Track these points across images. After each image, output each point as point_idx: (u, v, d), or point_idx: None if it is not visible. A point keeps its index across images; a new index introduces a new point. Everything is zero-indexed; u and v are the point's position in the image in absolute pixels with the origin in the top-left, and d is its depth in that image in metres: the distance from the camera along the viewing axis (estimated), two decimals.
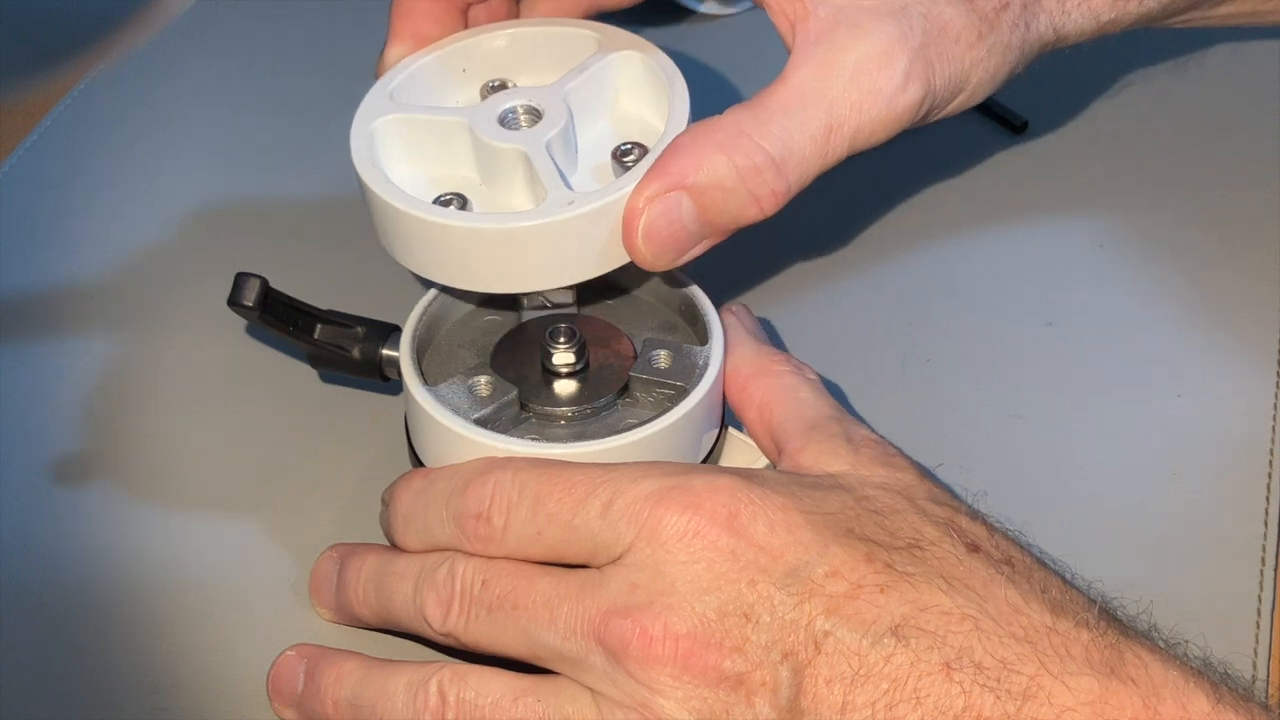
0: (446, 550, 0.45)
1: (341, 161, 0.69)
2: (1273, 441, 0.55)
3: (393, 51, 0.53)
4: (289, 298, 0.52)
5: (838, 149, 0.50)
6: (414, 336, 0.50)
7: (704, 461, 0.49)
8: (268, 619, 0.50)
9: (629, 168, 0.49)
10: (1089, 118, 0.70)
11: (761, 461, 0.50)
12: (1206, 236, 0.63)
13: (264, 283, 0.50)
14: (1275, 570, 0.51)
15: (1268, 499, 0.53)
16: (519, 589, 0.43)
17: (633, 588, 0.41)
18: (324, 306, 0.53)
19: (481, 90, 0.53)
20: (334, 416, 0.57)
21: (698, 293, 0.51)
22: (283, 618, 0.50)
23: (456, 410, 0.47)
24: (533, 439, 0.47)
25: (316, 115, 0.72)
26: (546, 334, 0.49)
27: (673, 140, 0.48)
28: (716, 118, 0.49)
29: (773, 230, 0.65)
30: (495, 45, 0.53)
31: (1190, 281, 0.61)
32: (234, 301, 0.50)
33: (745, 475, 0.43)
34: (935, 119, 0.53)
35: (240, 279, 0.50)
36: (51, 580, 0.51)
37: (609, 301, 0.53)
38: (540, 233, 0.47)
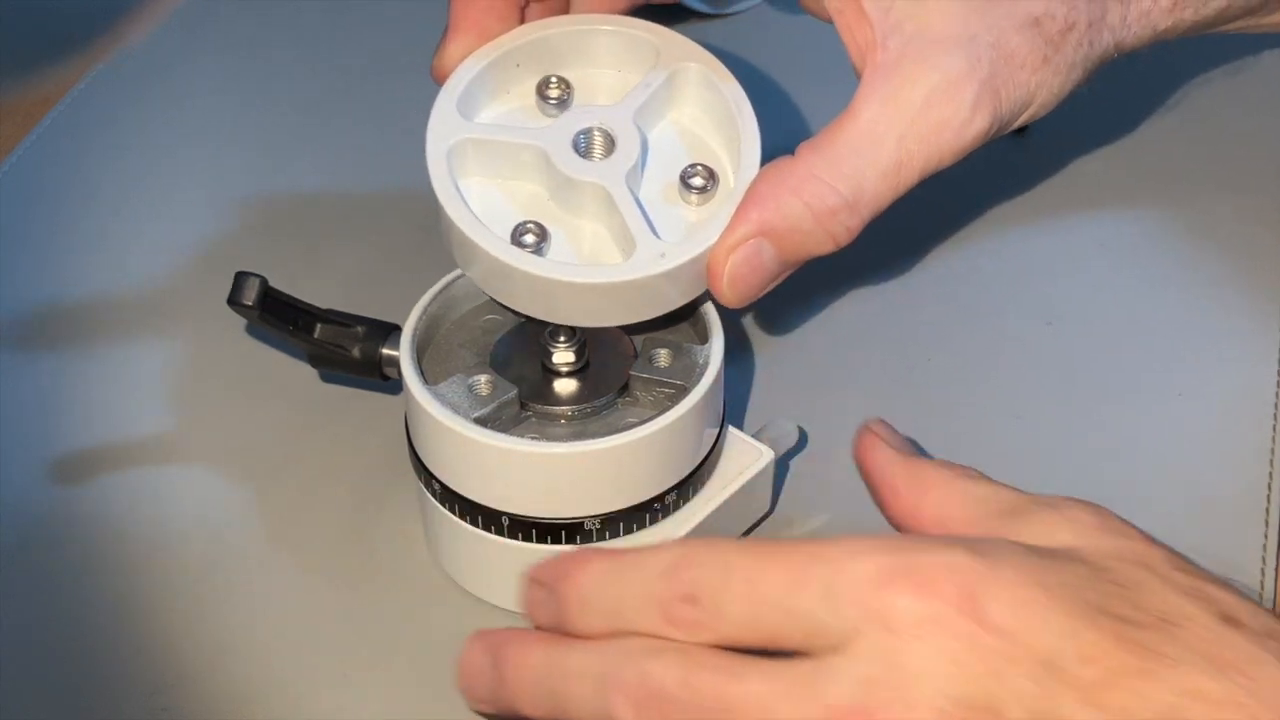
0: (635, 635, 0.40)
1: (342, 161, 0.69)
2: (1273, 441, 0.55)
3: (453, 47, 0.53)
4: (289, 297, 0.52)
5: (907, 181, 0.51)
6: (414, 336, 0.50)
7: (704, 461, 0.49)
8: (268, 619, 0.50)
9: (695, 190, 0.50)
10: (1089, 118, 0.70)
11: (763, 461, 0.50)
12: (1207, 237, 0.63)
13: (264, 282, 0.50)
14: (1275, 570, 0.51)
15: (1268, 499, 0.53)
16: (727, 687, 0.38)
17: (866, 683, 0.37)
18: (324, 306, 0.53)
19: (538, 86, 0.52)
20: (334, 416, 0.57)
21: None
22: (283, 617, 0.50)
23: (456, 409, 0.47)
24: (533, 438, 0.47)
25: (317, 114, 0.72)
26: (546, 333, 0.49)
27: (751, 186, 0.49)
28: (790, 161, 0.50)
29: None
30: (548, 41, 0.53)
31: (1190, 281, 0.61)
32: (234, 301, 0.50)
33: (975, 548, 0.39)
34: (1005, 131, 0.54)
35: (240, 278, 0.50)
36: (50, 580, 0.51)
37: None
38: (632, 286, 0.48)
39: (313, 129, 0.71)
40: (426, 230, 0.65)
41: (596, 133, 0.50)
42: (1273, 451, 0.54)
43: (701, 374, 0.48)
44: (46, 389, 0.58)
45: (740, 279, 0.49)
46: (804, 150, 0.50)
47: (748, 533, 0.52)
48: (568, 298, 0.48)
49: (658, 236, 0.49)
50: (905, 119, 0.50)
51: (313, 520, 0.53)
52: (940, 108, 0.50)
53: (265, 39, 0.77)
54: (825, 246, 0.51)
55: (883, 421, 0.47)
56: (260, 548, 0.52)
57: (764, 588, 0.38)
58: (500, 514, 0.47)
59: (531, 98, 0.52)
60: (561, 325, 0.49)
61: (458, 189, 0.49)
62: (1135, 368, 0.58)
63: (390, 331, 0.53)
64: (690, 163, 0.51)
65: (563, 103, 0.52)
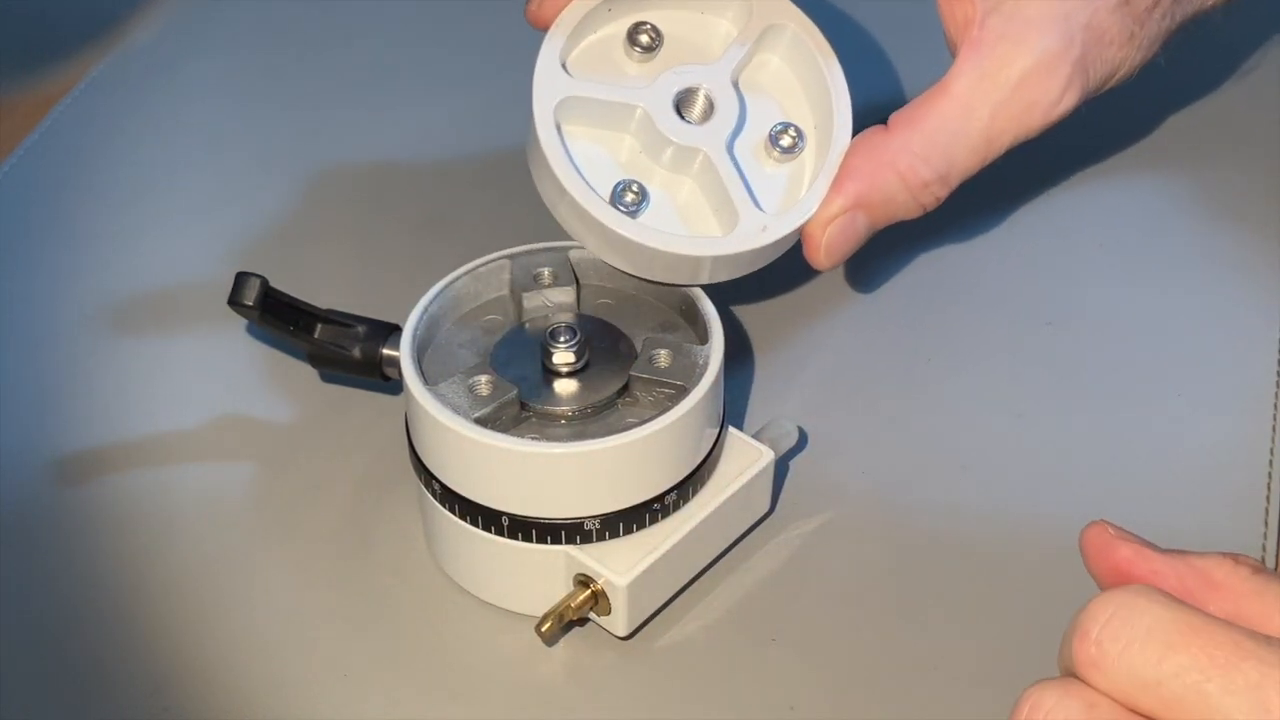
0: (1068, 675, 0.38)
1: (341, 161, 0.69)
2: (1273, 441, 0.55)
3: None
4: (289, 297, 0.52)
5: (995, 154, 0.54)
6: (414, 336, 0.50)
7: (704, 461, 0.49)
8: (268, 619, 0.50)
9: (783, 149, 0.53)
10: (1089, 118, 0.70)
11: (763, 461, 0.50)
12: (1207, 236, 0.64)
13: (264, 282, 0.50)
14: (1275, 570, 0.51)
15: (1268, 499, 0.53)
16: None
17: None
18: (324, 306, 0.53)
19: (629, 32, 0.54)
20: (334, 416, 0.57)
21: (698, 292, 0.51)
22: (283, 617, 0.50)
23: (457, 409, 0.47)
24: (533, 438, 0.47)
25: (318, 114, 0.72)
26: (547, 333, 0.49)
27: (847, 159, 0.52)
28: (885, 133, 0.53)
29: None
30: None
31: (1190, 281, 0.61)
32: (234, 301, 0.50)
33: None
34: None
35: (240, 279, 0.50)
36: (51, 580, 0.51)
37: (609, 301, 0.53)
38: (735, 257, 0.51)
39: (313, 129, 0.71)
40: (427, 230, 0.65)
41: (698, 95, 0.53)
42: (1272, 451, 0.54)
43: (701, 374, 0.48)
44: (46, 389, 0.58)
45: (835, 247, 0.52)
46: (897, 123, 0.53)
47: (748, 533, 0.52)
48: (669, 264, 0.50)
49: (758, 207, 0.51)
50: (998, 96, 0.52)
51: (313, 520, 0.53)
52: (1033, 88, 0.53)
53: (265, 39, 0.77)
54: (913, 213, 0.54)
55: (1105, 521, 0.42)
56: (260, 547, 0.52)
57: (1182, 658, 0.36)
58: (500, 514, 0.47)
59: (621, 41, 0.54)
60: (561, 325, 0.49)
61: (568, 153, 0.51)
62: (1135, 368, 0.58)
63: (390, 331, 0.53)
64: (779, 121, 0.53)
65: (651, 49, 0.54)
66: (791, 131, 0.53)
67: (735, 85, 0.53)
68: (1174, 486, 0.53)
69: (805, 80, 0.54)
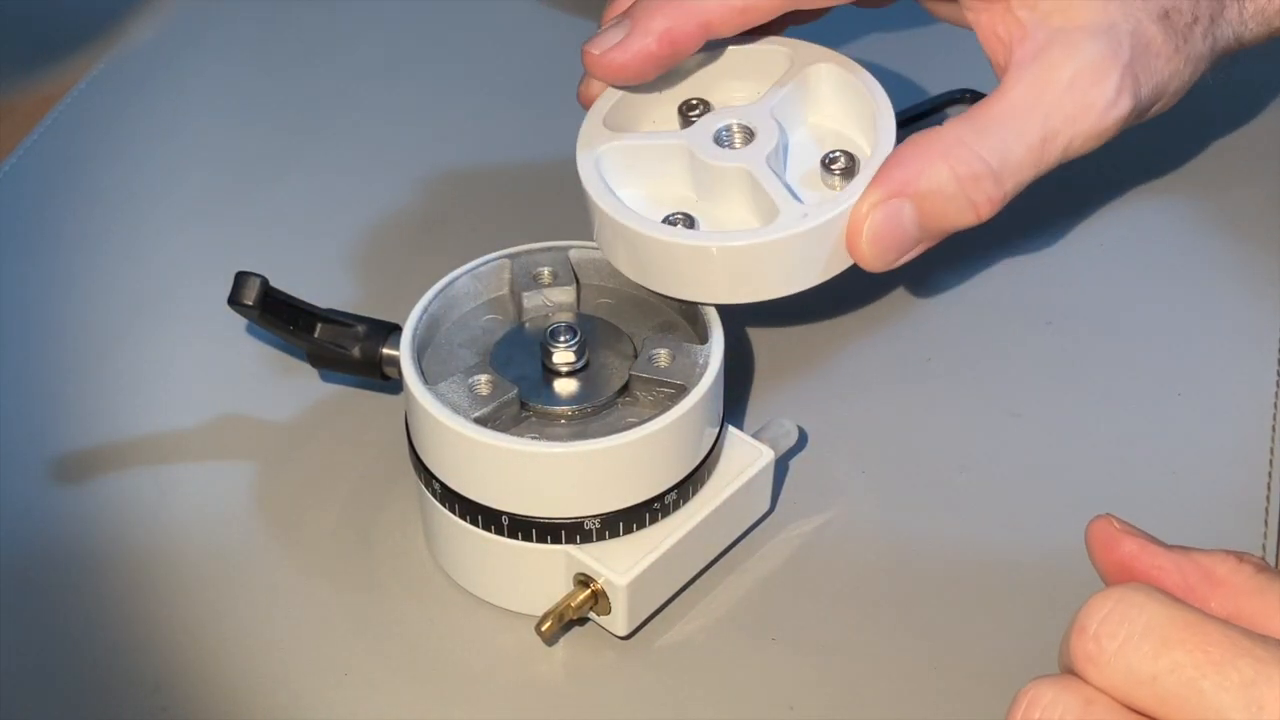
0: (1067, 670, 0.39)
1: (341, 161, 0.69)
2: (1273, 441, 0.55)
3: (596, 83, 0.55)
4: (289, 297, 0.52)
5: (1050, 158, 0.53)
6: (414, 335, 0.50)
7: (704, 461, 0.49)
8: (268, 618, 0.50)
9: (836, 174, 0.52)
10: None
11: (763, 461, 0.50)
12: (1207, 236, 0.63)
13: (264, 282, 0.50)
14: (1277, 570, 0.51)
15: (1268, 499, 0.53)
16: None
17: None
18: (324, 306, 0.53)
19: (680, 108, 0.55)
20: (334, 416, 0.57)
21: None
22: (283, 617, 0.50)
23: (456, 409, 0.47)
24: (533, 438, 0.47)
25: (318, 115, 0.72)
26: (547, 333, 0.49)
27: (895, 151, 0.51)
28: (937, 129, 0.52)
29: None
30: (689, 64, 0.55)
31: (1190, 281, 0.61)
32: (234, 301, 0.50)
33: None
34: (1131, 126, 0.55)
35: (240, 278, 0.50)
36: (51, 579, 0.51)
37: (609, 301, 0.53)
38: (780, 246, 0.49)
39: (313, 129, 0.71)
40: (426, 230, 0.65)
41: (736, 126, 0.53)
42: (1272, 451, 0.54)
43: (701, 374, 0.48)
44: (46, 389, 0.58)
45: (879, 238, 0.51)
46: (951, 121, 0.52)
47: (748, 532, 0.52)
48: (721, 268, 0.50)
49: (799, 200, 0.51)
50: (1052, 97, 0.52)
51: (313, 520, 0.53)
52: (1085, 89, 0.52)
53: (265, 39, 0.77)
54: (966, 216, 0.52)
55: (1110, 516, 0.43)
56: (260, 547, 0.52)
57: (1178, 654, 0.36)
58: (500, 514, 0.47)
59: (674, 117, 0.55)
60: (561, 325, 0.49)
61: (607, 185, 0.51)
62: (1135, 368, 0.58)
63: (390, 331, 0.53)
64: (831, 150, 0.53)
65: (699, 114, 0.55)
66: (843, 158, 0.52)
67: (776, 119, 0.53)
68: (1174, 486, 0.53)
69: (855, 116, 0.54)
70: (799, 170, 0.53)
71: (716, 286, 0.50)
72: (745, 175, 0.51)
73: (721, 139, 0.52)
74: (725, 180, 0.52)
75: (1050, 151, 0.53)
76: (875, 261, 0.51)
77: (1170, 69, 0.55)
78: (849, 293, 0.61)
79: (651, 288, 0.51)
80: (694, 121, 0.54)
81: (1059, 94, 0.52)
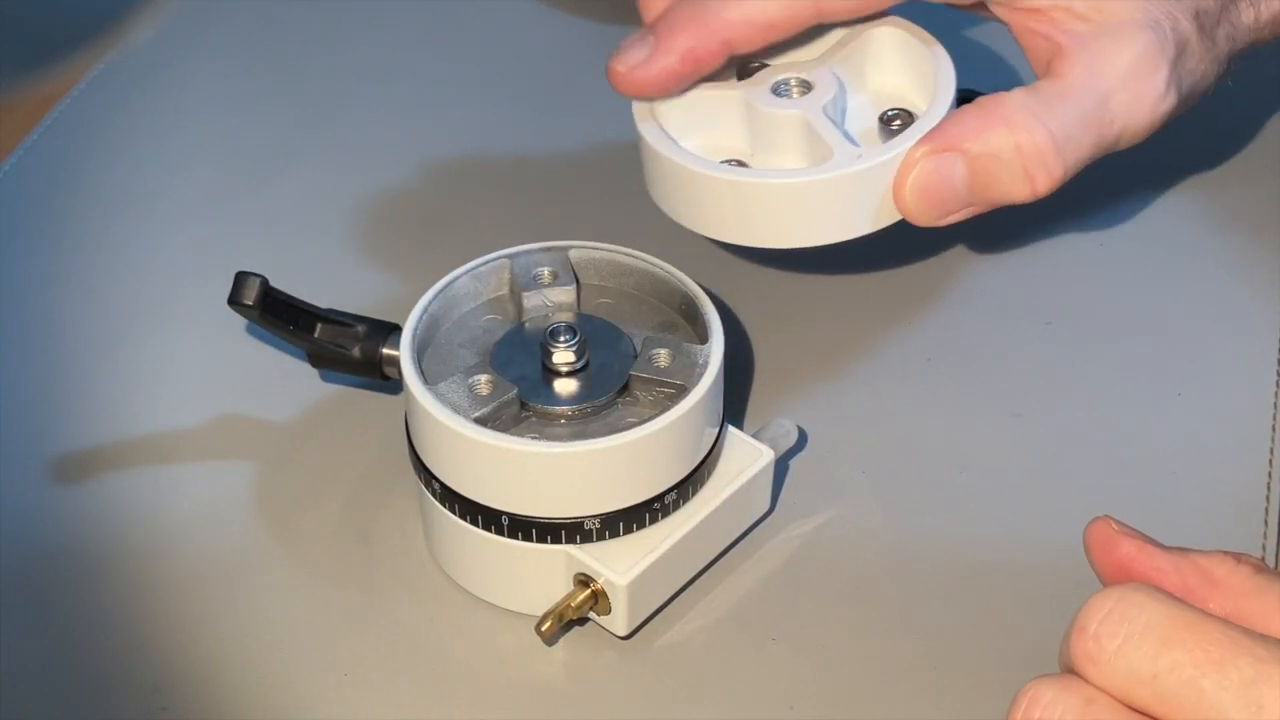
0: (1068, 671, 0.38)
1: (341, 161, 0.69)
2: (1273, 441, 0.55)
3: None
4: (289, 297, 0.52)
5: (1106, 142, 0.53)
6: (414, 335, 0.50)
7: (704, 461, 0.49)
8: (268, 618, 0.50)
9: (896, 132, 0.52)
10: None
11: (763, 461, 0.50)
12: (1207, 236, 0.63)
13: (264, 282, 0.50)
14: (1277, 570, 0.51)
15: (1268, 499, 0.53)
16: None
17: None
18: (324, 306, 0.53)
19: (739, 67, 0.56)
20: (334, 416, 0.57)
21: (698, 292, 0.51)
22: (283, 617, 0.50)
23: (456, 409, 0.47)
24: (533, 438, 0.47)
25: (317, 114, 0.72)
26: (547, 333, 0.49)
27: (959, 110, 0.51)
28: (1003, 94, 0.52)
29: None
30: None
31: (1190, 281, 0.61)
32: (234, 301, 0.50)
33: None
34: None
35: (240, 278, 0.50)
36: (50, 579, 0.51)
37: (609, 301, 0.53)
38: (833, 186, 0.50)
39: (313, 128, 0.71)
40: (427, 230, 0.65)
41: (795, 80, 0.54)
42: (1272, 451, 0.54)
43: (701, 374, 0.48)
44: (46, 389, 0.58)
45: (926, 190, 0.51)
46: (1016, 90, 0.52)
47: (748, 533, 0.52)
48: (772, 206, 0.50)
49: (854, 143, 0.51)
50: (1110, 83, 0.52)
51: (313, 520, 0.53)
52: (1140, 80, 0.52)
53: (265, 39, 0.77)
54: (1021, 188, 0.51)
55: (1109, 517, 0.43)
56: (260, 547, 0.52)
57: (1178, 653, 0.36)
58: (500, 514, 0.47)
59: (732, 74, 0.56)
60: (561, 324, 0.49)
61: (664, 132, 0.53)
62: (1135, 367, 0.58)
63: (390, 331, 0.53)
64: (890, 107, 0.54)
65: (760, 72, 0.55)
66: (902, 114, 0.53)
67: (834, 73, 0.54)
68: (1174, 486, 0.53)
69: (917, 80, 0.55)
70: (857, 127, 0.54)
71: (767, 227, 0.51)
72: (801, 123, 0.52)
73: (780, 90, 0.54)
74: (781, 128, 0.53)
75: (1106, 135, 0.52)
76: (918, 213, 0.51)
77: (1203, 69, 0.55)
78: (849, 292, 0.61)
79: (706, 232, 0.52)
80: (752, 75, 0.55)
81: (1116, 81, 0.52)
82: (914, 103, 0.55)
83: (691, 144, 0.54)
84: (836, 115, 0.54)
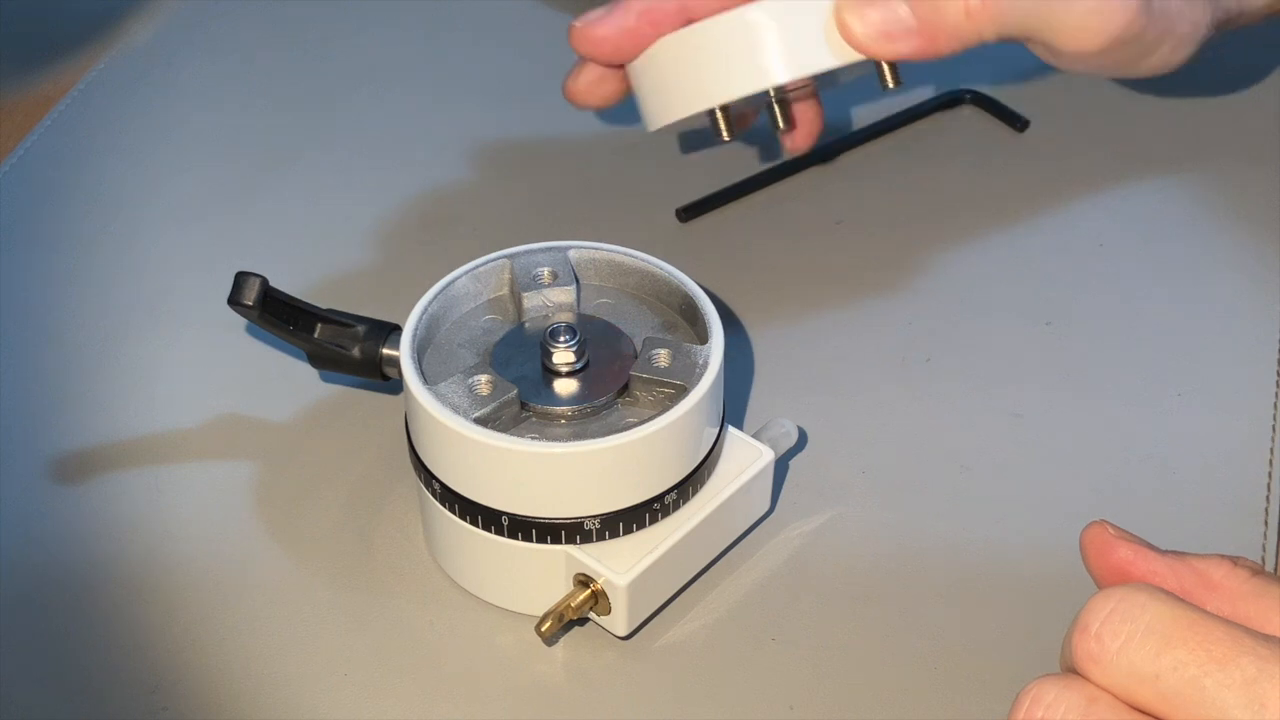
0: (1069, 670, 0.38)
1: (341, 161, 0.69)
2: (1273, 441, 0.55)
3: (582, 76, 0.60)
4: (289, 297, 0.52)
5: None
6: (414, 335, 0.50)
7: (704, 461, 0.49)
8: (268, 619, 0.50)
9: None
10: (1089, 117, 0.70)
11: (763, 461, 0.50)
12: (1207, 237, 0.64)
13: (264, 282, 0.50)
14: (1275, 570, 0.51)
15: (1268, 499, 0.53)
16: None
17: None
18: (324, 306, 0.53)
19: None
20: (334, 416, 0.57)
21: (698, 292, 0.51)
22: (283, 617, 0.50)
23: (456, 409, 0.47)
24: (533, 438, 0.47)
25: (317, 114, 0.72)
26: (546, 333, 0.49)
27: None
28: None
29: (772, 228, 0.65)
30: None
31: (1190, 281, 0.61)
32: (234, 301, 0.50)
33: None
34: (1141, 68, 0.57)
35: (240, 278, 0.50)
36: (50, 579, 0.51)
37: (609, 301, 0.53)
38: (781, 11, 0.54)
39: (313, 129, 0.71)
40: (427, 230, 0.65)
41: None
42: (1272, 451, 0.54)
43: (701, 374, 0.48)
44: (46, 389, 0.58)
45: (862, 10, 0.53)
46: None
47: (748, 533, 0.52)
48: (746, 37, 0.54)
49: None
50: None
51: (313, 520, 0.53)
52: None
53: (265, 39, 0.77)
54: (963, 31, 0.53)
55: (1104, 521, 0.42)
56: (260, 547, 0.52)
57: (1180, 652, 0.36)
58: (500, 514, 0.47)
59: None
60: (561, 325, 0.49)
61: None
62: (1134, 368, 0.58)
63: (390, 331, 0.53)
64: None
65: None
66: None
67: None
68: (1174, 486, 0.53)
69: None
70: None
71: (725, 75, 0.54)
72: None
73: None
74: None
75: None
76: (860, 30, 0.53)
77: (1177, 7, 0.56)
78: (849, 292, 0.61)
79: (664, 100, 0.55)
80: None
81: None
82: None
83: None
84: None
